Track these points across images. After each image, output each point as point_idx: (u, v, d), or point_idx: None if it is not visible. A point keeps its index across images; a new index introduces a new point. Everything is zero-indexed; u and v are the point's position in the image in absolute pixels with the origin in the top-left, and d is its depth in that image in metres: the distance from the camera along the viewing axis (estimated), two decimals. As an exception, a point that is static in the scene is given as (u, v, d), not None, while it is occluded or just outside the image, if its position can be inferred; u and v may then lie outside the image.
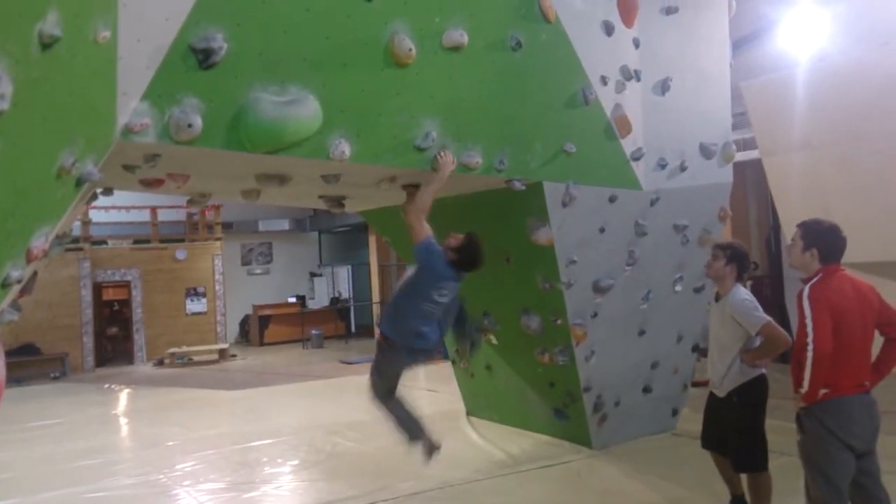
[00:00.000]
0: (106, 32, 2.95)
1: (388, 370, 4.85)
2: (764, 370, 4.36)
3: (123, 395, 11.91)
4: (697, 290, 6.75)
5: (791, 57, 10.05)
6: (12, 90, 2.31)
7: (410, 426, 4.84)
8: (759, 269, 12.28)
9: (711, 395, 4.53)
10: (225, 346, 16.24)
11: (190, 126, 3.60)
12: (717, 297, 4.50)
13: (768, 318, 4.25)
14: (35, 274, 3.85)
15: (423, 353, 4.82)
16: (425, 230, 4.63)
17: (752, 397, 4.30)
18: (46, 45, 2.44)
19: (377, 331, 4.99)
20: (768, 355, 4.35)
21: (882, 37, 8.44)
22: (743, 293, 4.37)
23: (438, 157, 4.70)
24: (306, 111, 4.04)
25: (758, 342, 4.29)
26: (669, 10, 6.25)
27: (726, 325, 4.35)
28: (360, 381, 11.74)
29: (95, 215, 15.35)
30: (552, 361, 6.23)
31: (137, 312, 16.16)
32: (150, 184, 4.72)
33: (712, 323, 4.53)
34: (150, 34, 3.38)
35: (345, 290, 20.55)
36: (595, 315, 6.12)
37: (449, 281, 4.64)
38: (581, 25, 5.51)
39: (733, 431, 4.31)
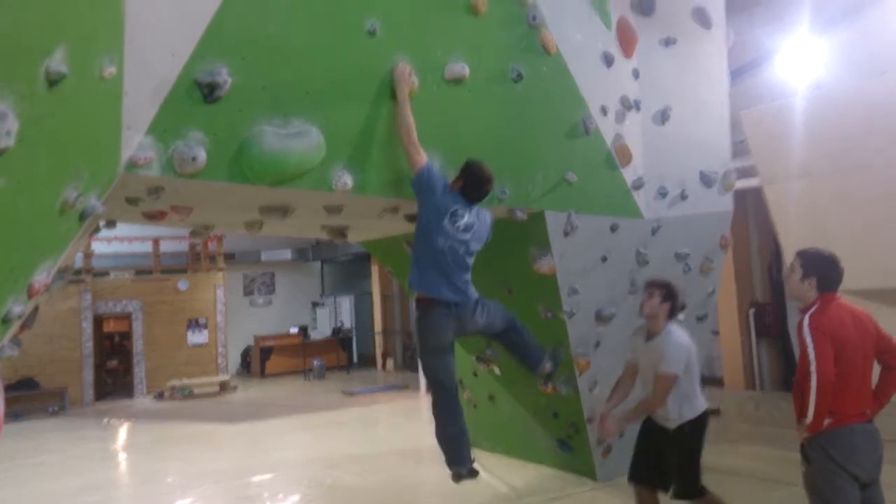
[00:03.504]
0: (112, 68, 2.97)
1: (433, 343, 4.29)
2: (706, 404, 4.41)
3: (123, 430, 11.82)
4: (700, 319, 6.73)
5: (789, 86, 10.14)
6: (18, 127, 2.32)
7: (454, 450, 4.31)
8: (762, 297, 12.27)
9: (654, 430, 4.47)
10: (226, 377, 16.14)
11: (194, 159, 3.61)
12: (649, 336, 4.46)
13: (676, 374, 4.24)
14: (36, 308, 3.83)
15: (463, 309, 4.27)
16: (422, 156, 4.31)
17: (700, 427, 4.36)
18: (53, 81, 2.46)
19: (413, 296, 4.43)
20: (639, 415, 4.40)
21: (879, 66, 8.51)
22: (680, 337, 4.34)
23: (394, 72, 4.38)
24: (309, 143, 4.06)
25: (684, 381, 4.28)
26: (668, 42, 6.32)
27: None
28: (362, 412, 11.68)
29: (98, 247, 15.35)
30: (555, 392, 6.19)
31: (138, 345, 16.08)
32: (154, 216, 4.73)
33: (646, 364, 4.48)
34: (155, 69, 3.41)
35: (347, 320, 20.50)
36: (598, 344, 6.10)
37: (460, 206, 4.27)
38: (581, 57, 5.56)
39: (684, 461, 4.34)
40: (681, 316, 4.57)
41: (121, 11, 3.09)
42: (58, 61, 2.47)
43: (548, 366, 4.56)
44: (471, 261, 4.41)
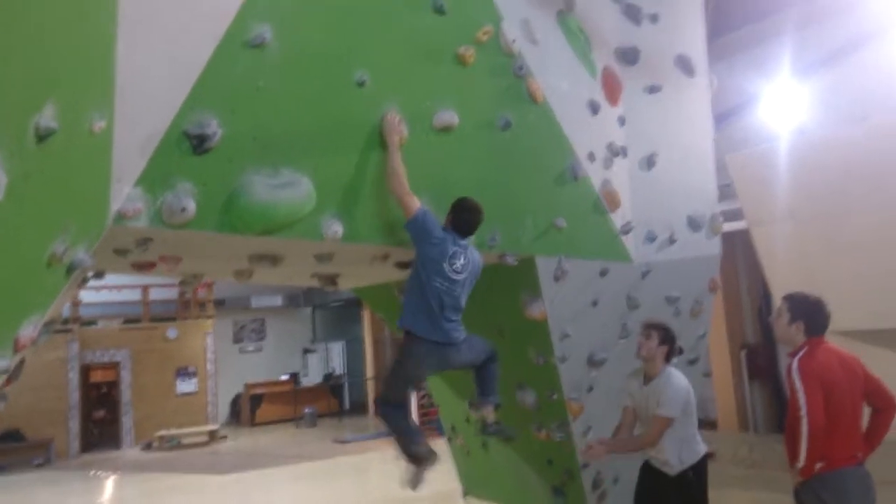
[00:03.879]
0: (102, 122, 2.99)
1: (409, 372, 4.49)
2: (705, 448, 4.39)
3: (109, 483, 11.61)
4: (692, 363, 6.72)
5: (773, 130, 10.31)
6: (6, 182, 2.32)
7: (411, 437, 4.47)
8: (753, 338, 12.28)
9: (653, 475, 4.42)
10: (215, 427, 15.95)
11: (183, 210, 3.61)
12: (646, 380, 4.44)
13: (673, 417, 4.22)
14: (22, 361, 3.79)
15: (450, 347, 4.38)
16: (415, 202, 4.32)
17: (703, 472, 4.32)
18: (42, 137, 2.47)
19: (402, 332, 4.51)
20: (628, 448, 4.41)
21: (860, 112, 8.68)
22: (678, 380, 4.34)
23: (384, 121, 4.40)
24: (299, 193, 4.07)
25: (682, 425, 4.25)
26: (653, 89, 6.42)
27: None
28: (354, 461, 11.52)
29: (86, 295, 15.27)
30: (549, 437, 6.14)
31: (126, 394, 15.92)
32: (142, 267, 4.71)
33: (644, 407, 4.45)
34: (145, 122, 3.43)
35: (338, 367, 20.36)
36: (591, 389, 6.07)
37: (456, 246, 4.34)
38: (568, 105, 5.64)
39: None
40: (674, 360, 4.57)
41: (112, 67, 3.13)
42: (48, 117, 2.48)
43: (489, 409, 4.65)
44: (464, 300, 4.49)
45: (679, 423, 4.26)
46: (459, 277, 4.35)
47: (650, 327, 4.47)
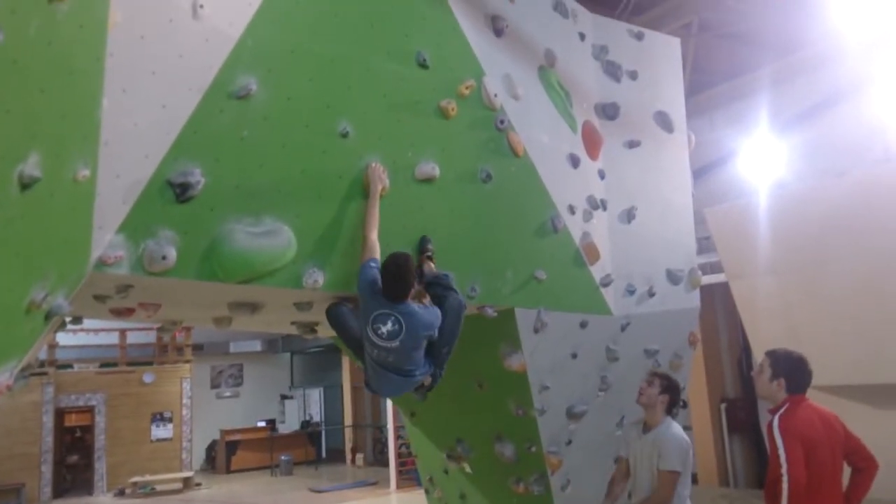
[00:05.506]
0: (86, 171, 3.01)
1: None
2: None
3: (80, 530, 11.34)
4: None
5: (752, 184, 10.49)
6: (-12, 230, 2.33)
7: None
8: (732, 392, 12.30)
9: None
10: (190, 474, 15.67)
11: (164, 258, 3.61)
12: (645, 429, 4.42)
13: (679, 471, 4.20)
14: (-4, 407, 3.75)
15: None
16: (367, 253, 4.20)
17: None
18: (26, 185, 2.48)
19: None
20: None
21: (837, 167, 8.87)
22: (680, 432, 4.32)
23: (368, 170, 4.37)
24: (280, 241, 4.09)
25: (680, 483, 4.22)
26: (632, 144, 6.55)
27: None
28: (329, 512, 11.31)
29: (62, 338, 15.08)
30: (527, 491, 6.08)
31: (100, 439, 15.63)
32: (121, 313, 4.69)
33: (640, 456, 4.42)
34: (129, 170, 3.45)
35: (316, 413, 20.12)
36: (570, 442, 6.04)
37: (383, 310, 4.00)
38: (548, 158, 5.73)
39: None
40: (675, 411, 4.55)
41: (98, 117, 3.16)
42: (32, 166, 2.50)
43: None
44: (416, 353, 4.17)
45: (678, 480, 4.21)
46: (386, 345, 4.03)
47: (654, 375, 4.50)
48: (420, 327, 4.11)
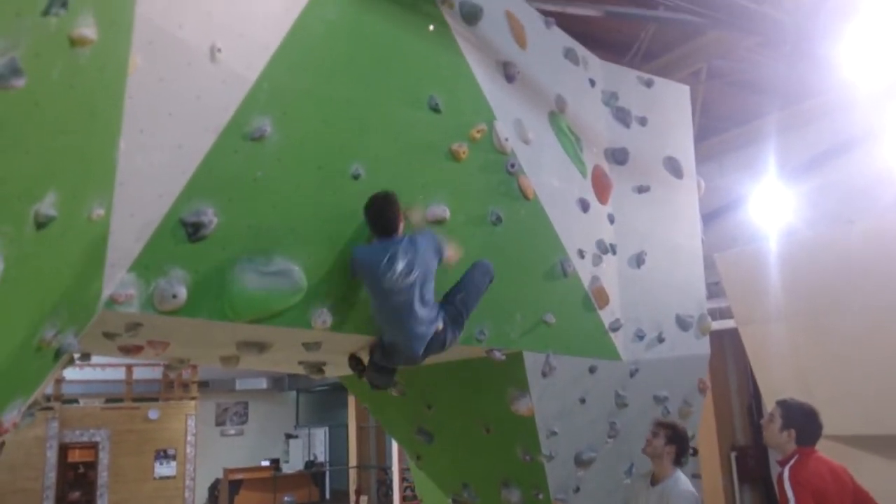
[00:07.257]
0: (101, 210, 3.04)
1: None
2: None
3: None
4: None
5: (761, 229, 10.48)
6: (2, 268, 2.35)
7: None
8: (743, 440, 12.14)
9: None
10: (192, 513, 15.48)
11: (174, 297, 3.63)
12: (653, 481, 4.35)
13: None
14: (2, 444, 3.74)
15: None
16: None
17: None
18: (41, 224, 2.52)
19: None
20: None
21: (847, 214, 8.85)
22: (688, 487, 4.26)
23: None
24: (290, 282, 4.11)
25: None
26: (641, 189, 6.57)
27: None
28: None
29: (69, 373, 15.04)
30: (534, 539, 5.99)
31: (103, 476, 15.51)
32: (130, 350, 4.70)
33: None
34: (142, 210, 3.48)
35: (321, 453, 19.94)
36: (577, 490, 5.95)
37: (384, 256, 4.16)
38: (558, 202, 5.76)
39: None
40: (683, 461, 4.48)
41: (115, 158, 3.20)
42: (47, 205, 2.53)
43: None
44: (431, 285, 4.32)
45: None
46: (407, 282, 4.14)
47: (659, 425, 4.43)
48: (425, 248, 4.29)
